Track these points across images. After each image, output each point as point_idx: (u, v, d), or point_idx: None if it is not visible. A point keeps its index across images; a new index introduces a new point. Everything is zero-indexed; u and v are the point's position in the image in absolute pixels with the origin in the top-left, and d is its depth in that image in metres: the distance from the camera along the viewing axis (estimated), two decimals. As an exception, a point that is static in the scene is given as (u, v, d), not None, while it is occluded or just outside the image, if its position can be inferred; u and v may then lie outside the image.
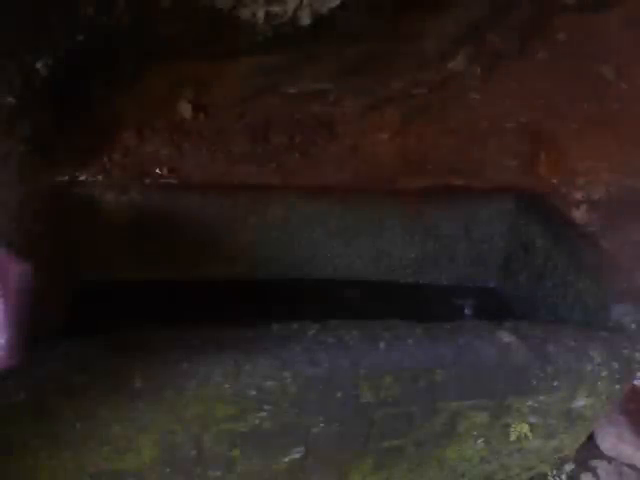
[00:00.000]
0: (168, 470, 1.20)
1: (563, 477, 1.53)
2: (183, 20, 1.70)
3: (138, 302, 1.65)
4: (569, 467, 1.56)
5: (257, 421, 1.18)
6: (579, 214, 2.09)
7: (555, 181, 2.13)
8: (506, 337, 1.28)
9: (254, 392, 1.15)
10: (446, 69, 2.14)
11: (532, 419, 1.35)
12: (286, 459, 1.26)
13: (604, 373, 1.32)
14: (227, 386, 1.13)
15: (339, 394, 1.19)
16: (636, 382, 1.85)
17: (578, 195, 2.13)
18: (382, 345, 1.21)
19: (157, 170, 1.93)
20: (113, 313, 1.52)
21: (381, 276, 1.90)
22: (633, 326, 1.39)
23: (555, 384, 1.29)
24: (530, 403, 1.31)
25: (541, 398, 1.31)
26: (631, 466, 1.61)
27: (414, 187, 1.96)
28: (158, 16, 1.66)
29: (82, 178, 1.81)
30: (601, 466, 1.62)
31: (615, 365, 1.33)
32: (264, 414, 1.18)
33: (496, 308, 1.85)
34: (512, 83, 2.19)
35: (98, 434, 1.13)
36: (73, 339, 1.13)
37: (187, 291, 1.71)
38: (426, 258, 1.91)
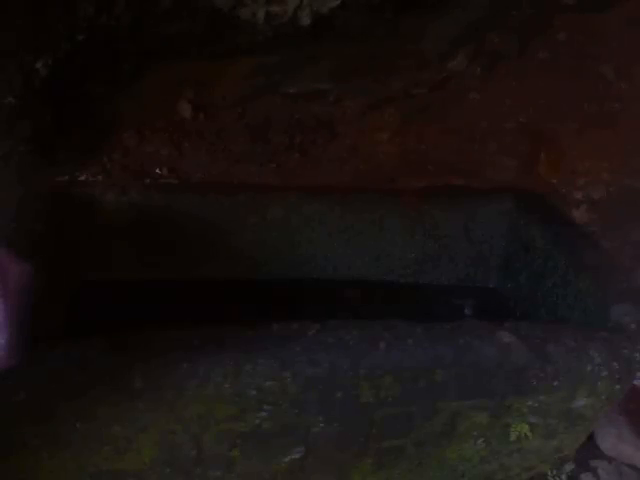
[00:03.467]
0: (168, 470, 1.20)
1: (563, 477, 1.53)
2: (183, 20, 1.70)
3: (138, 302, 1.65)
4: (569, 467, 1.56)
5: (257, 421, 1.18)
6: (579, 214, 2.09)
7: (555, 181, 2.13)
8: (506, 337, 1.28)
9: (254, 392, 1.15)
10: (446, 69, 2.13)
11: (532, 419, 1.35)
12: (286, 459, 1.25)
13: (604, 373, 1.32)
14: (227, 386, 1.13)
15: (339, 394, 1.19)
16: (636, 382, 1.84)
17: (578, 195, 2.13)
18: (382, 345, 1.21)
19: (157, 170, 1.93)
20: (113, 313, 1.52)
21: (381, 276, 1.90)
22: (633, 326, 1.39)
23: (555, 384, 1.29)
24: (530, 403, 1.31)
25: (541, 398, 1.31)
26: (631, 466, 1.61)
27: (414, 187, 1.96)
28: (158, 16, 1.66)
29: (82, 178, 1.81)
30: (601, 466, 1.62)
31: (615, 365, 1.33)
32: (264, 414, 1.18)
33: (496, 308, 1.85)
34: (512, 83, 2.19)
35: (98, 434, 1.13)
36: (73, 339, 1.13)
37: (187, 291, 1.71)
38: (426, 258, 1.91)
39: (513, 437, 1.35)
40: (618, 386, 1.36)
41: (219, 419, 1.16)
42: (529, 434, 1.35)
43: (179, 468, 1.21)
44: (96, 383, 1.09)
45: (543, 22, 2.18)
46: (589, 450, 1.63)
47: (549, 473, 1.53)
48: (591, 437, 1.63)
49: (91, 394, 1.09)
